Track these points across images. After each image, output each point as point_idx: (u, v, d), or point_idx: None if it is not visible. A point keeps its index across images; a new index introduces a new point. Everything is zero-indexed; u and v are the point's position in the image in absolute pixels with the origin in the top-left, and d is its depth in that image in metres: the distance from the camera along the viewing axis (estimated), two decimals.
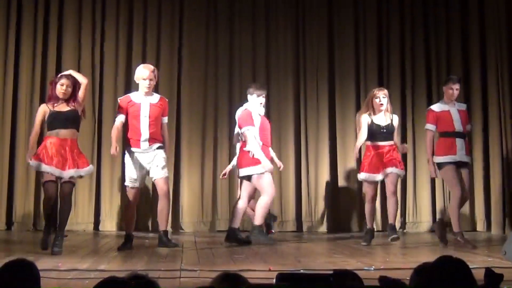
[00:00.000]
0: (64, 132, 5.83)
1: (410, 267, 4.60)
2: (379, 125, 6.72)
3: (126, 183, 6.27)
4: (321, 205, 9.03)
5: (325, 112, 9.16)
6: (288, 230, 8.75)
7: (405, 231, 8.89)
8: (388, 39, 9.35)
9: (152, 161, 6.15)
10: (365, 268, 4.69)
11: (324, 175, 9.07)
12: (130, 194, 6.24)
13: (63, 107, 5.87)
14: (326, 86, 9.22)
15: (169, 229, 8.42)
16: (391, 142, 6.77)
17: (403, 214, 8.97)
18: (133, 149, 6.12)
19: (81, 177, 5.99)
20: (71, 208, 6.12)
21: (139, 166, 6.14)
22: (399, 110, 8.95)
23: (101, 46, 9.01)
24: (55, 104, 5.88)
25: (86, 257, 5.48)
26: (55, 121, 5.85)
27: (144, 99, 6.20)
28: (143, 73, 6.18)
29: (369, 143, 6.77)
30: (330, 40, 9.35)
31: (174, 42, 9.13)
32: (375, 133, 6.71)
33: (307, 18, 9.37)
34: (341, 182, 9.07)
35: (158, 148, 6.20)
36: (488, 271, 2.31)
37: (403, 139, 9.09)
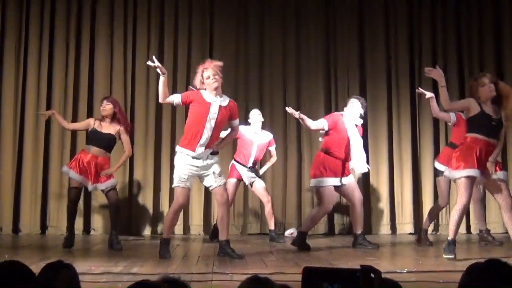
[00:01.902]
0: (95, 150, 6.72)
1: (443, 269, 4.60)
2: (490, 116, 5.46)
3: (176, 184, 5.72)
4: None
5: None
6: (320, 233, 8.73)
7: (438, 233, 8.81)
8: (420, 40, 9.28)
9: (206, 167, 5.75)
10: (398, 270, 4.65)
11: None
12: (181, 195, 5.72)
13: (105, 128, 6.76)
14: (357, 88, 9.17)
15: (200, 232, 8.53)
16: (496, 141, 5.57)
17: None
18: (186, 151, 5.67)
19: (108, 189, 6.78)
20: (117, 212, 6.85)
21: (191, 167, 5.70)
22: (431, 112, 8.87)
23: (132, 51, 9.09)
24: (101, 122, 6.78)
25: (119, 260, 5.53)
26: (91, 137, 6.78)
27: (214, 99, 5.72)
28: (201, 73, 5.75)
29: (471, 134, 5.52)
30: (361, 41, 9.31)
31: (205, 47, 9.17)
32: (484, 124, 5.46)
33: (337, 19, 9.34)
34: (373, 184, 9.03)
35: (212, 153, 5.80)
36: None
37: (435, 140, 9.03)
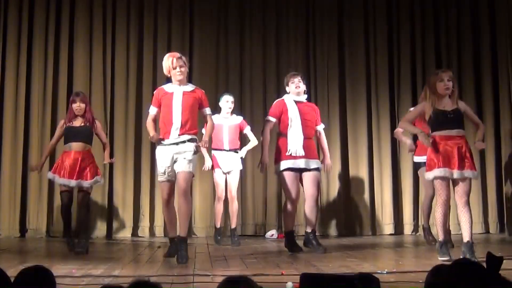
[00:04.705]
0: (76, 145, 6.55)
1: (423, 270, 4.63)
2: (444, 110, 5.48)
3: (158, 178, 5.77)
4: (332, 209, 9.04)
5: (336, 119, 9.17)
6: (300, 234, 8.73)
7: (418, 234, 8.87)
8: (399, 46, 9.36)
9: (179, 153, 5.58)
10: (378, 271, 4.68)
11: (336, 180, 9.08)
12: (163, 189, 5.69)
13: (77, 123, 6.63)
14: (336, 94, 9.23)
15: None
16: (462, 132, 5.50)
17: (416, 217, 8.97)
18: (163, 141, 5.62)
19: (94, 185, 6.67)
20: (87, 214, 6.74)
21: (167, 157, 5.59)
22: None
23: (112, 54, 9.06)
24: (72, 121, 6.65)
25: (99, 263, 5.50)
26: (68, 134, 6.61)
27: (177, 88, 5.73)
28: (169, 62, 5.72)
29: (435, 133, 5.53)
30: (340, 48, 9.36)
31: (185, 50, 9.14)
32: (441, 120, 5.48)
33: (317, 27, 9.39)
34: (353, 186, 9.07)
35: (189, 140, 5.61)
36: (489, 255, 2.31)
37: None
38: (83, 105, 6.65)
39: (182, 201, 5.56)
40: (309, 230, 6.50)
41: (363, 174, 9.07)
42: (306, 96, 6.74)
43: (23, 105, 8.77)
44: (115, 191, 8.81)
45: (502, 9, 9.13)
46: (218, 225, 7.60)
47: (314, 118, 6.66)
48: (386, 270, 4.76)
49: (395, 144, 9.15)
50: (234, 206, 7.54)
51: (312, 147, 6.54)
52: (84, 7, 9.05)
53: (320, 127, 6.76)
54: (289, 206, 6.41)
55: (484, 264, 2.33)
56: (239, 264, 5.47)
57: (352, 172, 9.06)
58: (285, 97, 6.65)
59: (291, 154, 6.35)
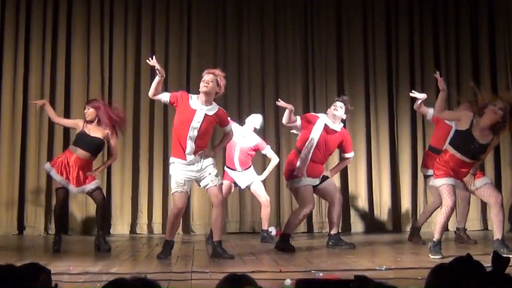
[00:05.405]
0: (81, 153, 6.44)
1: (421, 266, 4.63)
2: (473, 139, 5.50)
3: (174, 190, 5.71)
4: None
5: None
6: (299, 231, 8.73)
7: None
8: (397, 39, 9.35)
9: (202, 170, 5.70)
10: (377, 268, 4.68)
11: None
12: (179, 199, 5.69)
13: (94, 131, 6.48)
14: (335, 88, 9.20)
15: (179, 231, 8.50)
16: (474, 161, 5.63)
17: (414, 213, 8.96)
18: (179, 160, 5.66)
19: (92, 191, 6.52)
20: (106, 211, 6.73)
21: (187, 173, 5.66)
22: (408, 112, 8.95)
23: (110, 50, 9.03)
24: (88, 126, 6.51)
25: (97, 260, 5.50)
26: (79, 140, 6.52)
27: (200, 107, 5.68)
28: (204, 76, 5.71)
29: (450, 149, 5.66)
30: (338, 41, 9.35)
31: (183, 46, 9.14)
32: (464, 143, 5.55)
33: (315, 20, 9.37)
34: (351, 183, 9.06)
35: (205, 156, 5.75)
36: (495, 254, 2.29)
37: (413, 140, 9.09)
38: (90, 110, 6.50)
39: (221, 211, 5.76)
40: (335, 231, 6.66)
41: (362, 171, 9.06)
42: (341, 125, 6.69)
43: (21, 102, 8.74)
44: (113, 189, 8.79)
45: (501, 9, 9.14)
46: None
47: (334, 147, 6.73)
48: (384, 266, 4.76)
49: (393, 142, 9.15)
50: (265, 211, 7.54)
51: (318, 169, 6.59)
52: (81, 3, 9.01)
53: (349, 155, 6.84)
54: (302, 216, 6.55)
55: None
56: (237, 261, 5.47)
57: (350, 169, 9.04)
58: (321, 116, 6.61)
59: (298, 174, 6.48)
